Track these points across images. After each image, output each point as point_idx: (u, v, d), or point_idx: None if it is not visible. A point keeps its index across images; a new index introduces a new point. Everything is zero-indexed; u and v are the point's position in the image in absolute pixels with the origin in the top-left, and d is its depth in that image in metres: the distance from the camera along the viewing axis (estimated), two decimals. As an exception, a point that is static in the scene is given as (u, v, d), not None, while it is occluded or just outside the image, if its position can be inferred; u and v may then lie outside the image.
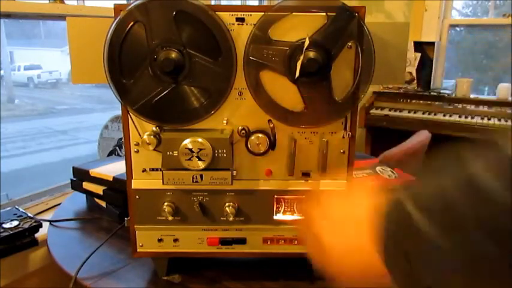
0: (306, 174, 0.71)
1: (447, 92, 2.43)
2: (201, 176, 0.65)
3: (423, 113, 2.31)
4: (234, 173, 0.67)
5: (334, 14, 0.61)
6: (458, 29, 2.70)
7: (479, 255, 0.28)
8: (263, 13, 0.62)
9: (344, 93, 0.65)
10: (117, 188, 1.00)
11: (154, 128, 0.66)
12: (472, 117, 2.19)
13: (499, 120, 2.15)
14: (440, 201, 0.31)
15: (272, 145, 0.68)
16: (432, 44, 2.46)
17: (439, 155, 0.34)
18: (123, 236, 0.88)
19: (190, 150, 0.63)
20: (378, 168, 1.33)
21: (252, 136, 0.67)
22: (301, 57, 0.60)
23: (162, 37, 0.61)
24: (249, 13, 0.63)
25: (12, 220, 1.05)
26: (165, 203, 0.70)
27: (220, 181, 0.66)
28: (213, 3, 1.78)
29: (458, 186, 0.30)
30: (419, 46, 2.46)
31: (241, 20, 0.63)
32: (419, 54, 2.46)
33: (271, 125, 0.67)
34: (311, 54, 0.61)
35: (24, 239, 1.03)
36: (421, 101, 2.42)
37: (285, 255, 0.75)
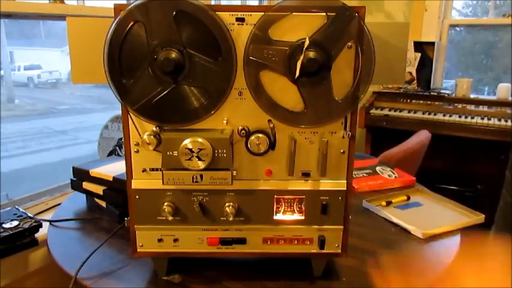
0: (306, 174, 0.71)
1: (447, 92, 2.43)
2: (201, 176, 0.65)
3: (423, 113, 2.31)
4: (234, 173, 0.67)
5: (334, 14, 0.61)
6: (458, 29, 2.70)
7: None
8: (263, 13, 0.62)
9: (344, 93, 0.65)
10: (117, 188, 1.00)
11: (154, 128, 0.66)
12: (472, 117, 2.19)
13: (499, 120, 2.15)
14: None
15: (272, 145, 0.68)
16: (432, 44, 2.46)
17: None
18: (123, 236, 0.88)
19: (190, 150, 0.63)
20: (378, 168, 1.33)
21: (252, 136, 0.67)
22: (301, 57, 0.60)
23: (162, 37, 0.61)
24: (249, 13, 0.63)
25: (12, 220, 1.05)
26: (165, 203, 0.70)
27: (220, 181, 0.66)
28: (213, 3, 1.78)
29: None
30: (419, 46, 2.46)
31: (241, 20, 0.63)
32: (419, 54, 2.46)
33: (271, 125, 0.67)
34: (311, 54, 0.61)
35: (24, 239, 1.03)
36: (421, 101, 2.42)
37: (285, 255, 0.75)
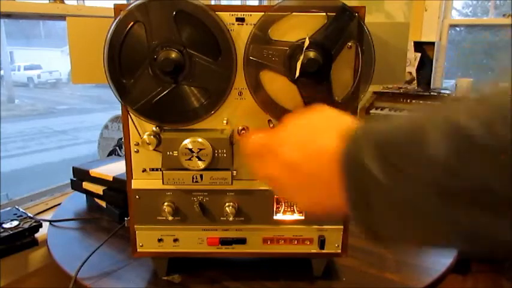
0: (306, 174, 0.70)
1: (447, 92, 2.42)
2: (201, 176, 0.65)
3: (423, 113, 2.30)
4: (234, 173, 0.67)
5: (334, 14, 0.61)
6: (458, 29, 2.70)
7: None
8: (263, 13, 0.62)
9: (344, 93, 0.65)
10: (117, 188, 1.00)
11: (154, 128, 0.66)
12: (472, 117, 2.19)
13: (499, 120, 2.14)
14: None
15: (272, 145, 0.67)
16: (432, 44, 2.46)
17: None
18: (123, 236, 0.88)
19: (190, 150, 0.63)
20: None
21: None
22: (301, 57, 0.60)
23: (162, 37, 0.61)
24: (249, 13, 0.63)
25: (12, 220, 1.05)
26: (165, 203, 0.70)
27: (220, 181, 0.66)
28: (213, 3, 1.78)
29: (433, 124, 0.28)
30: (419, 46, 2.46)
31: (241, 20, 0.63)
32: (419, 54, 2.46)
33: (271, 125, 0.67)
34: (311, 54, 0.61)
35: (24, 239, 1.03)
36: (421, 101, 2.41)
37: (285, 255, 0.75)
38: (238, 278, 0.76)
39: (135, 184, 0.71)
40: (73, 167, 1.10)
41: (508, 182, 0.25)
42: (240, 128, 0.67)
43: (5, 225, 1.02)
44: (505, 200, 0.25)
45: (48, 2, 1.28)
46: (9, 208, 1.12)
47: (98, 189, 1.04)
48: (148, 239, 0.73)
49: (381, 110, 2.40)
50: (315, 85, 0.64)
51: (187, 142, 0.63)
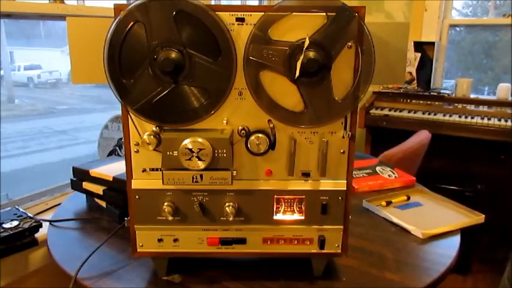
0: (306, 174, 0.71)
1: (447, 92, 2.42)
2: (201, 176, 0.65)
3: (423, 113, 2.30)
4: (234, 173, 0.67)
5: (334, 14, 0.61)
6: (458, 29, 2.70)
7: None
8: (263, 13, 0.62)
9: (344, 93, 0.65)
10: (117, 188, 1.00)
11: (154, 128, 0.66)
12: (472, 117, 2.19)
13: (499, 120, 2.15)
14: None
15: (272, 145, 0.68)
16: (432, 44, 2.46)
17: None
18: (123, 236, 0.88)
19: (190, 150, 0.63)
20: (377, 168, 1.33)
21: (252, 136, 0.67)
22: (301, 57, 0.60)
23: (162, 37, 0.61)
24: (249, 13, 0.63)
25: (12, 220, 1.05)
26: (165, 203, 0.70)
27: (220, 181, 0.66)
28: (213, 3, 1.78)
29: None
30: (419, 46, 2.46)
31: (241, 20, 0.63)
32: (419, 54, 2.46)
33: (271, 125, 0.67)
34: (311, 54, 0.61)
35: (24, 239, 1.03)
36: (421, 101, 2.41)
37: (285, 255, 0.75)
38: (238, 278, 0.76)
39: (135, 184, 0.71)
40: (73, 167, 1.10)
41: None
42: (240, 128, 0.67)
43: (5, 225, 1.02)
44: None
45: (48, 2, 1.28)
46: (9, 208, 1.12)
47: (98, 189, 1.04)
48: (148, 239, 0.73)
49: (381, 110, 2.40)
50: (315, 85, 0.64)
51: (187, 142, 0.63)
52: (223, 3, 2.14)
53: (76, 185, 1.10)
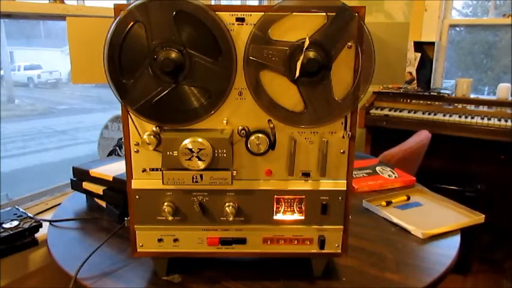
0: (306, 174, 0.71)
1: (447, 92, 2.43)
2: (201, 176, 0.65)
3: (423, 113, 2.31)
4: (234, 173, 0.67)
5: (334, 14, 0.61)
6: (458, 29, 2.70)
7: None
8: (263, 13, 0.62)
9: (344, 93, 0.65)
10: (117, 188, 1.00)
11: (154, 128, 0.66)
12: (472, 117, 2.19)
13: (499, 120, 2.15)
14: None
15: (272, 145, 0.68)
16: (432, 44, 2.46)
17: None
18: (123, 236, 0.88)
19: (190, 150, 0.63)
20: (378, 168, 1.33)
21: (252, 136, 0.67)
22: (301, 57, 0.60)
23: (162, 37, 0.61)
24: (249, 13, 0.63)
25: (12, 220, 1.05)
26: (165, 203, 0.70)
27: (220, 181, 0.66)
28: (213, 3, 1.78)
29: None
30: (419, 46, 2.46)
31: (241, 20, 0.63)
32: (419, 54, 2.46)
33: (271, 125, 0.67)
34: (311, 54, 0.61)
35: (24, 239, 1.03)
36: (421, 101, 2.42)
37: (285, 255, 0.75)
38: (238, 278, 0.76)
39: (135, 184, 0.71)
40: (73, 167, 1.10)
41: None
42: (240, 128, 0.67)
43: (5, 225, 1.02)
44: None
45: (48, 2, 1.28)
46: (9, 208, 1.12)
47: (98, 189, 1.04)
48: (148, 239, 0.73)
49: (381, 110, 2.40)
50: (315, 85, 0.64)
51: (187, 142, 0.63)
52: (223, 3, 2.14)
53: (76, 185, 1.10)
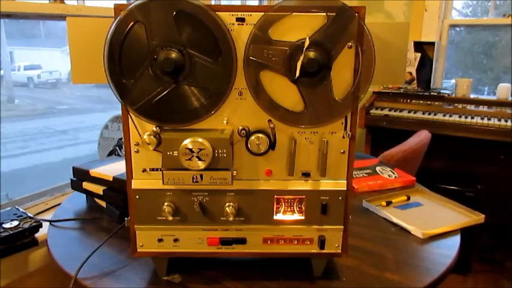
0: (306, 174, 0.71)
1: (447, 92, 2.43)
2: (201, 176, 0.65)
3: (423, 113, 2.31)
4: (234, 173, 0.67)
5: (334, 14, 0.61)
6: (458, 29, 2.70)
7: None
8: (263, 13, 0.62)
9: (344, 93, 0.65)
10: (117, 188, 1.00)
11: (154, 128, 0.66)
12: (472, 117, 2.19)
13: (499, 120, 2.15)
14: None
15: (272, 145, 0.68)
16: (432, 44, 2.46)
17: None
18: (123, 236, 0.88)
19: (190, 150, 0.63)
20: (378, 168, 1.33)
21: (252, 136, 0.67)
22: (301, 57, 0.60)
23: (162, 37, 0.61)
24: (249, 13, 0.63)
25: (12, 220, 1.05)
26: (165, 203, 0.70)
27: (220, 181, 0.66)
28: (213, 3, 1.78)
29: None
30: (419, 46, 2.46)
31: (241, 20, 0.63)
32: (419, 54, 2.46)
33: (271, 125, 0.67)
34: (311, 54, 0.61)
35: (24, 239, 1.03)
36: (421, 101, 2.42)
37: (285, 255, 0.75)
38: (238, 278, 0.76)
39: (135, 184, 0.71)
40: (73, 167, 1.10)
41: None
42: (240, 128, 0.67)
43: (5, 225, 1.02)
44: None
45: (48, 2, 1.28)
46: (9, 208, 1.12)
47: (98, 189, 1.04)
48: (148, 239, 0.73)
49: (381, 110, 2.40)
50: (315, 85, 0.64)
51: (187, 142, 0.63)
52: (223, 3, 2.14)
53: (76, 185, 1.10)
